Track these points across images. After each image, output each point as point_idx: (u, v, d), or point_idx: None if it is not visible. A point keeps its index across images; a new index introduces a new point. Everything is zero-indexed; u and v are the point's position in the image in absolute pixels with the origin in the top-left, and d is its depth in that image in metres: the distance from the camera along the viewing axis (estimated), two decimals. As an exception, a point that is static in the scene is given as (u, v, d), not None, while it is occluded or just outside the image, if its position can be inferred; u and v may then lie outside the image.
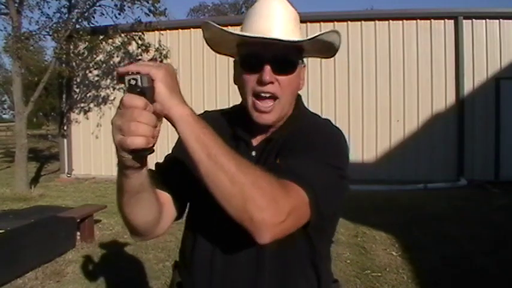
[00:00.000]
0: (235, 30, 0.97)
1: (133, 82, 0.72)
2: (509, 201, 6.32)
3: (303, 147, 0.91)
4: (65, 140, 9.66)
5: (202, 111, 1.15)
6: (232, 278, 0.97)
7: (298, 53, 0.99)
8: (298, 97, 1.06)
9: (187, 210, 1.07)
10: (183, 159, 0.96)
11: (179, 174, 1.00)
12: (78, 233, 4.49)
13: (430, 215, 5.67)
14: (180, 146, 0.94)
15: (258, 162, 0.96)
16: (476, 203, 6.32)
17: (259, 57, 0.92)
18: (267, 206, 0.74)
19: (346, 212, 5.05)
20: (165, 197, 0.99)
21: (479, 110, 8.06)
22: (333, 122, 1.05)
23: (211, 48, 1.07)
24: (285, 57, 0.94)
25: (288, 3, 0.98)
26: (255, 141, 1.02)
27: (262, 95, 0.94)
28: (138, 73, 0.72)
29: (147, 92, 0.72)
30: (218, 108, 1.18)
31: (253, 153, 1.01)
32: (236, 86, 1.03)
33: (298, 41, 0.94)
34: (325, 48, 1.02)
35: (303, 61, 1.01)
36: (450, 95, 8.19)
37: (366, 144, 8.28)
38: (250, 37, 0.92)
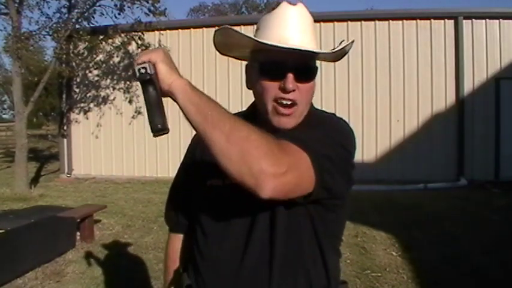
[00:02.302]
0: (253, 36, 0.98)
1: (143, 70, 0.82)
2: (509, 201, 6.32)
3: (309, 130, 0.95)
4: (65, 140, 9.66)
5: None
6: (244, 274, 0.98)
7: (315, 60, 1.02)
8: None
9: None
10: (182, 187, 1.18)
11: (183, 203, 1.17)
12: (78, 233, 4.49)
13: (430, 215, 5.67)
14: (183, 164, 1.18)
15: None
16: (476, 203, 6.32)
17: (282, 65, 0.93)
18: (264, 155, 0.77)
19: (346, 212, 5.05)
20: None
21: (479, 110, 8.06)
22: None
23: (220, 51, 1.07)
24: (307, 65, 0.97)
25: (305, 9, 0.99)
26: None
27: (284, 102, 0.96)
28: (143, 62, 0.83)
29: (154, 77, 0.82)
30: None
31: None
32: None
33: (328, 52, 0.99)
34: (337, 56, 1.06)
35: (317, 66, 1.03)
36: (450, 95, 8.19)
37: (365, 144, 8.27)
38: (285, 48, 0.91)
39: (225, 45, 1.03)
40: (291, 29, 0.95)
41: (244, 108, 1.14)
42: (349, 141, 0.99)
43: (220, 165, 0.79)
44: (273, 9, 0.99)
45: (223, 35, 0.99)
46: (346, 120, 1.08)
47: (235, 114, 1.12)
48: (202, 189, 1.07)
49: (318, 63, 1.06)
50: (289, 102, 0.95)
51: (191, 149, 1.16)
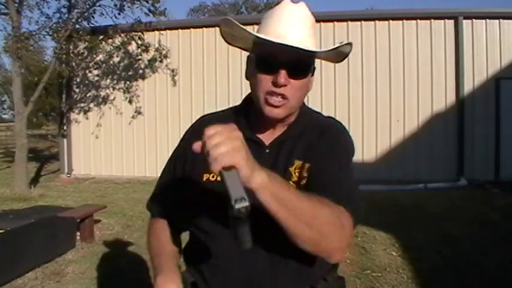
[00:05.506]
0: (254, 30, 1.00)
1: (244, 210, 0.68)
2: (509, 201, 6.31)
3: (328, 154, 1.01)
4: (65, 140, 9.66)
5: (200, 116, 1.21)
6: (258, 270, 1.00)
7: (312, 59, 1.03)
8: None
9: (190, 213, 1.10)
10: (174, 181, 1.13)
11: (174, 197, 1.14)
12: (78, 233, 4.49)
13: (430, 215, 5.67)
14: (170, 167, 1.20)
15: (273, 160, 1.04)
16: (476, 203, 6.32)
17: (276, 60, 0.96)
18: (338, 239, 0.88)
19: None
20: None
21: (479, 110, 8.05)
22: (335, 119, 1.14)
23: (226, 41, 1.11)
24: (300, 62, 0.98)
25: (306, 9, 1.01)
26: (266, 141, 1.07)
27: (275, 96, 0.98)
28: (242, 198, 0.69)
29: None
30: (218, 107, 1.21)
31: (267, 150, 1.06)
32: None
33: (316, 52, 0.99)
34: (337, 57, 1.08)
35: (314, 66, 1.05)
36: (450, 95, 8.19)
37: (365, 144, 8.27)
38: (271, 42, 0.93)
39: (232, 35, 1.06)
40: (288, 25, 0.97)
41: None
42: (353, 154, 1.07)
43: (294, 241, 0.85)
44: (276, 4, 1.02)
45: (227, 26, 1.02)
46: (343, 123, 1.12)
47: (229, 109, 1.17)
48: (200, 184, 1.06)
49: (318, 63, 1.07)
50: (279, 97, 0.98)
51: (185, 143, 1.14)
